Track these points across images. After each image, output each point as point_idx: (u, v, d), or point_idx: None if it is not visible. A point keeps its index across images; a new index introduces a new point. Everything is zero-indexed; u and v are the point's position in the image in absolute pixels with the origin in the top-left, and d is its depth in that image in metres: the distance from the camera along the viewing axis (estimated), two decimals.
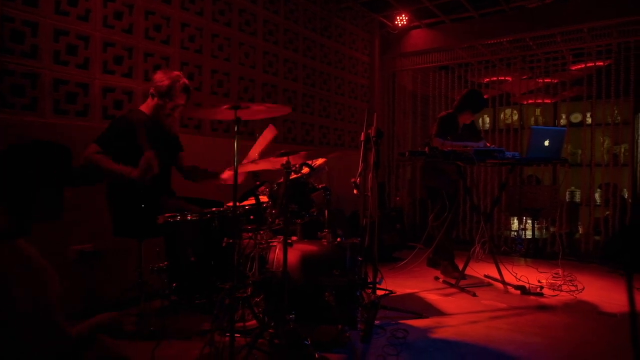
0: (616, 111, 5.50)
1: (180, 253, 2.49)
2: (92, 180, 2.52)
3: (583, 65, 5.54)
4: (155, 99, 2.84)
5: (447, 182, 4.14)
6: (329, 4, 5.46)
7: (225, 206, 2.73)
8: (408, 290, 3.72)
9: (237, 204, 2.36)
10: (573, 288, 3.76)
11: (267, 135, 2.85)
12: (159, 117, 2.88)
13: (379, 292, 3.35)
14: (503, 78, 6.34)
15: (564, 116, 6.13)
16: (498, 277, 3.84)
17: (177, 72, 2.88)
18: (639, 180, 5.37)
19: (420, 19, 6.03)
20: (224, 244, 2.32)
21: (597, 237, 5.40)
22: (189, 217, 2.45)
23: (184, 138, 3.25)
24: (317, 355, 2.17)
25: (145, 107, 2.90)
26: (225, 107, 2.14)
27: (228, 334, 2.03)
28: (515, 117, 6.52)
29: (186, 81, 2.88)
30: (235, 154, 2.15)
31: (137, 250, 2.73)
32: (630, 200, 5.39)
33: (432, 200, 4.35)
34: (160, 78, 2.82)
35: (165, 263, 2.49)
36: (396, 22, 6.01)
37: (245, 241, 2.42)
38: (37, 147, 1.46)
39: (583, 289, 3.75)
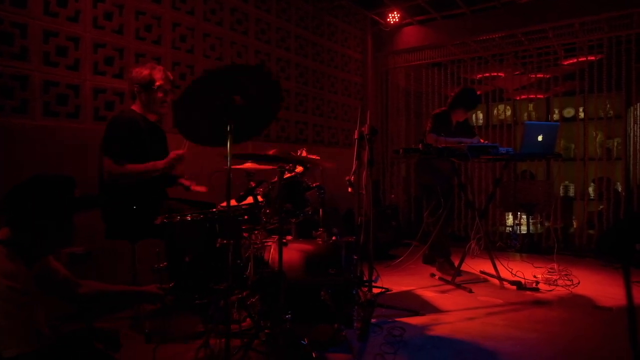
0: (608, 105, 5.53)
1: (177, 254, 2.46)
2: (94, 205, 2.53)
3: (575, 60, 5.56)
4: (142, 94, 2.81)
5: (441, 179, 4.15)
6: (321, 2, 5.44)
7: (219, 207, 2.70)
8: (404, 288, 3.71)
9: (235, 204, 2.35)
10: (568, 283, 3.78)
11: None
12: (154, 111, 2.86)
13: (375, 290, 3.34)
14: (495, 74, 6.36)
15: (556, 111, 6.14)
16: (494, 272, 3.84)
17: (149, 64, 2.88)
18: (632, 174, 5.39)
19: (413, 16, 6.03)
20: (217, 245, 2.29)
21: (591, 231, 5.43)
22: (188, 218, 2.41)
23: (178, 139, 3.21)
24: (314, 355, 2.16)
25: (137, 106, 2.86)
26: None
27: (224, 336, 2.01)
28: (509, 113, 6.54)
29: (160, 67, 2.87)
30: (229, 155, 2.13)
31: (131, 251, 2.71)
32: (623, 194, 5.42)
33: (426, 197, 4.35)
34: (138, 72, 2.80)
35: (165, 264, 2.46)
36: (388, 20, 6.01)
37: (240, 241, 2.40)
38: (41, 181, 1.57)
39: (578, 283, 3.76)
